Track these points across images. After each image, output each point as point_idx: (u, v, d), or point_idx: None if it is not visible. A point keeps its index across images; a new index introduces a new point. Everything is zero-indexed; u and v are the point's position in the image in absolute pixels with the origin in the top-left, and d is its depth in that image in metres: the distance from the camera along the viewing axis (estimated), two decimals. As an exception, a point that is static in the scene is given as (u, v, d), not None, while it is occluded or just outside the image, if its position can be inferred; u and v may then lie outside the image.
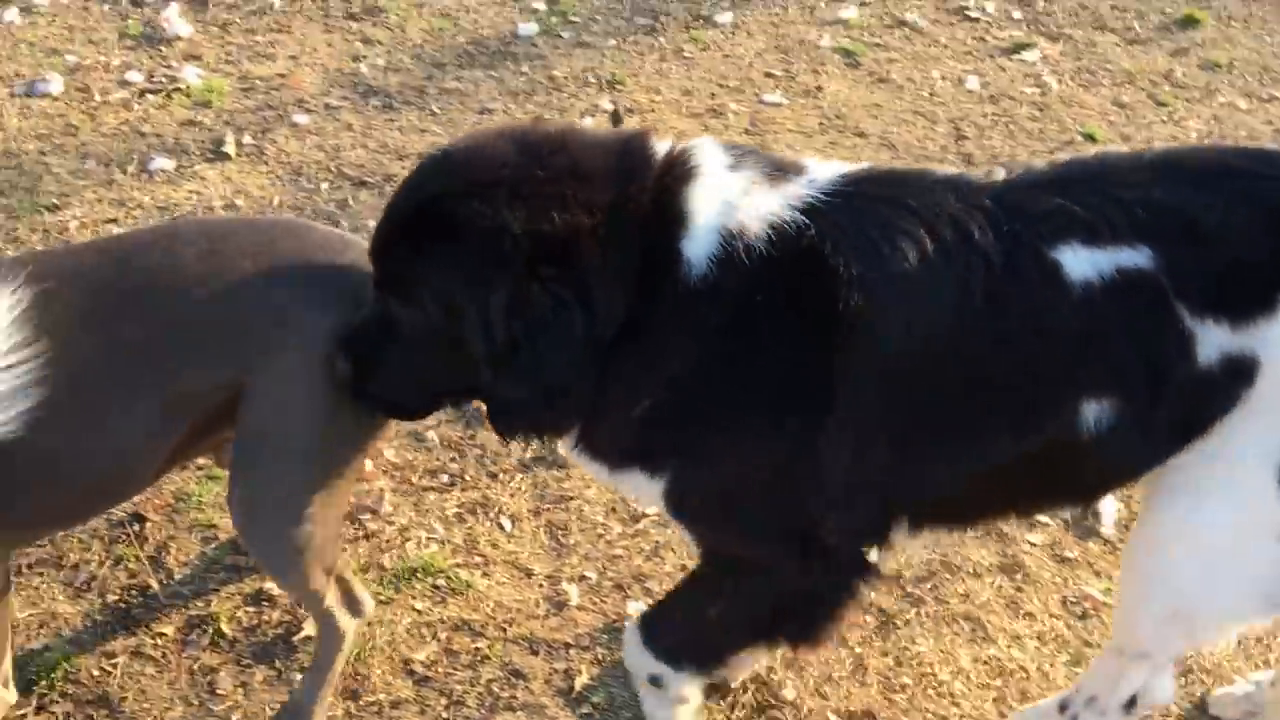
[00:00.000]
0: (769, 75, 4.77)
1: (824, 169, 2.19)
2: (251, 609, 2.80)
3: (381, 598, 2.83)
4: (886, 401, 2.10)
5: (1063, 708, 2.56)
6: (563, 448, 2.37)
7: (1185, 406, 2.14)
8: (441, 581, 2.90)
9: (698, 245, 2.06)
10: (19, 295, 2.13)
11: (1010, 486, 2.29)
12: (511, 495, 3.10)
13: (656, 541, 3.02)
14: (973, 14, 5.24)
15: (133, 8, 4.78)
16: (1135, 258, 2.04)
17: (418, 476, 3.14)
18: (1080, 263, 2.04)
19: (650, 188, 2.09)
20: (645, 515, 3.08)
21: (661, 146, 2.16)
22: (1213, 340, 2.07)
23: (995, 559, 3.04)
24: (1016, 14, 5.27)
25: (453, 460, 3.18)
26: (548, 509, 3.08)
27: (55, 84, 4.31)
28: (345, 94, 4.44)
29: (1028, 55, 5.01)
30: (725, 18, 5.07)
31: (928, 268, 2.04)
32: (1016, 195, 2.12)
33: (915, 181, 2.18)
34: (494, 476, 3.14)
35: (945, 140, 4.48)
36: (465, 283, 2.07)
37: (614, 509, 3.10)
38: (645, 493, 2.30)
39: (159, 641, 2.72)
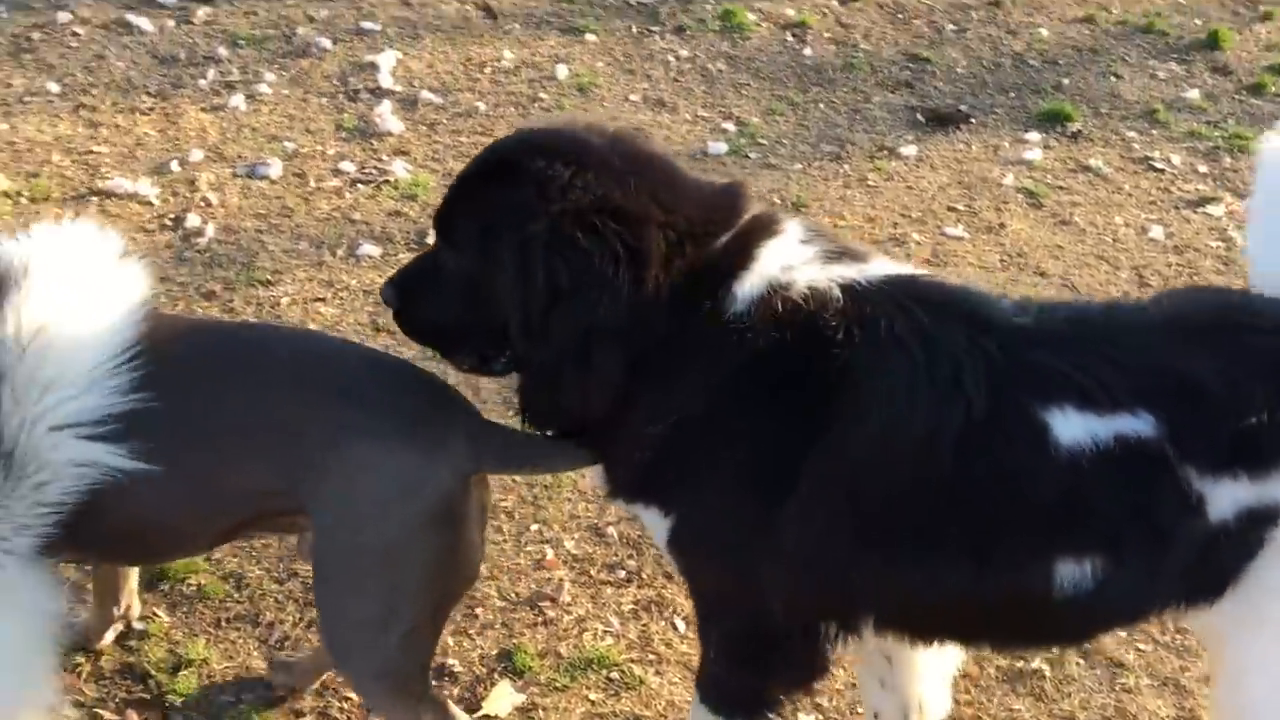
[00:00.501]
0: (951, 209, 4.85)
1: (881, 264, 2.27)
2: (434, 681, 2.87)
3: (557, 684, 2.90)
4: (849, 502, 2.13)
5: None
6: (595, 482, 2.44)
7: (1200, 555, 2.11)
8: (615, 675, 2.95)
9: (747, 287, 2.16)
10: (136, 338, 2.26)
11: (978, 620, 2.28)
12: (686, 597, 3.15)
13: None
14: (1158, 165, 5.26)
15: (349, 103, 5.08)
16: (1135, 424, 2.04)
17: (596, 570, 3.21)
18: (1071, 426, 2.04)
19: (732, 230, 2.21)
20: (818, 630, 3.10)
21: (755, 204, 2.29)
22: (1227, 496, 2.06)
23: (1172, 711, 2.99)
24: (1202, 168, 5.28)
25: (630, 557, 3.25)
26: (721, 614, 3.12)
27: (275, 168, 4.59)
28: (541, 197, 4.64)
29: (1213, 209, 5.00)
30: (909, 150, 5.18)
31: (913, 401, 2.07)
32: (1020, 341, 2.13)
33: (939, 302, 2.19)
34: (670, 577, 3.20)
35: (1128, 286, 4.49)
36: (507, 211, 2.13)
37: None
38: (657, 530, 2.34)
39: (345, 705, 2.82)
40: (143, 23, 5.39)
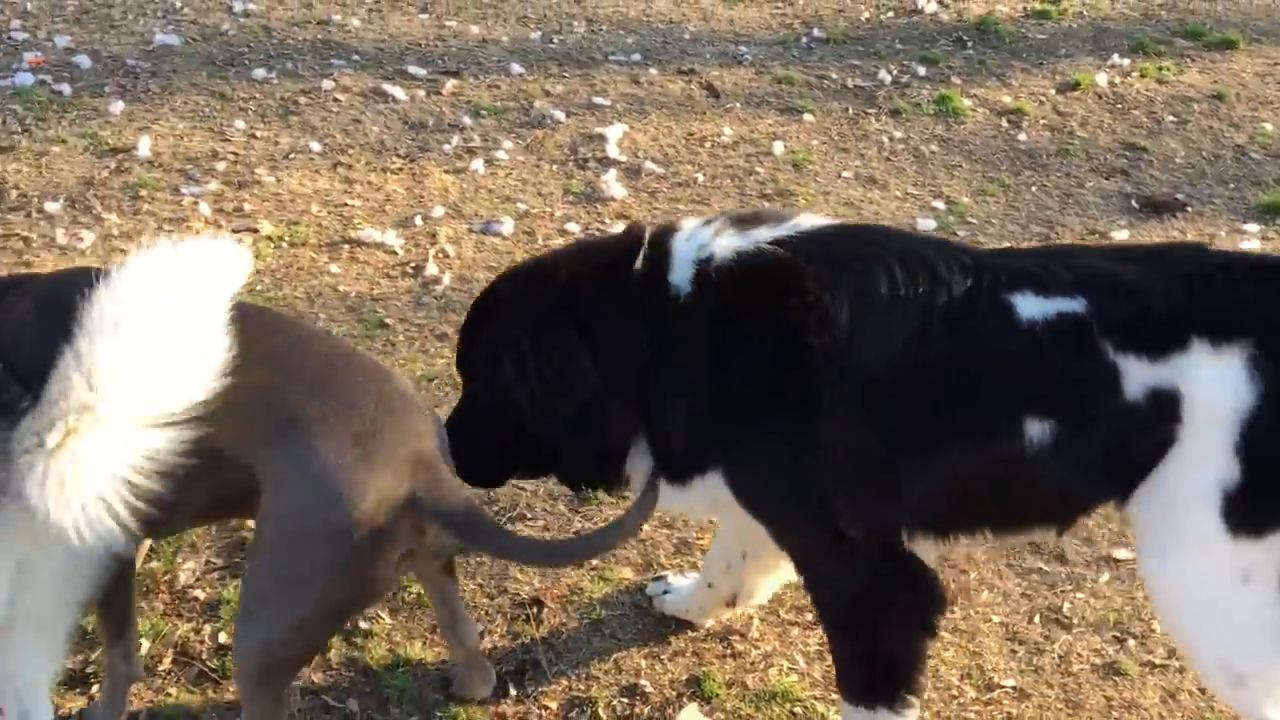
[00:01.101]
0: (1160, 294, 4.85)
1: (812, 219, 2.75)
2: (626, 700, 3.07)
3: (741, 713, 3.05)
4: (871, 401, 2.53)
5: None
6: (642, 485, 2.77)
7: (1119, 438, 2.45)
8: (799, 709, 3.08)
9: (679, 271, 2.65)
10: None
11: (979, 499, 2.61)
12: (871, 644, 3.26)
13: (1009, 713, 3.10)
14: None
15: (577, 170, 5.42)
16: (1072, 304, 2.47)
17: (785, 611, 3.35)
18: (1029, 305, 2.48)
19: (646, 246, 2.72)
20: (999, 685, 3.17)
21: (649, 228, 2.80)
22: (1135, 375, 2.41)
23: None
24: None
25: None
26: (904, 663, 3.22)
27: (507, 226, 4.94)
28: (752, 263, 4.87)
29: None
30: (1121, 235, 5.21)
31: (898, 295, 2.53)
32: (992, 257, 2.68)
33: (898, 233, 2.81)
34: (856, 624, 3.32)
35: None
36: (500, 336, 2.72)
37: (969, 674, 3.20)
38: (720, 498, 2.70)
39: (543, 713, 3.03)
40: (397, 92, 5.89)
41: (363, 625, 3.19)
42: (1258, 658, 2.44)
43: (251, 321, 2.57)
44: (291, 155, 5.31)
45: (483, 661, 3.04)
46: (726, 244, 2.65)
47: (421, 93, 5.94)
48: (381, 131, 5.58)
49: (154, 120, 5.46)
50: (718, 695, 3.08)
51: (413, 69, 6.14)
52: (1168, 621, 2.70)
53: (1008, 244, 5.10)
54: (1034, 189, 5.57)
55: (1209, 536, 2.37)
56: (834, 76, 6.44)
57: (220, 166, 5.15)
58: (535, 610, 3.29)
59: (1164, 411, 2.40)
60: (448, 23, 6.73)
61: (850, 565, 2.62)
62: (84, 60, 5.90)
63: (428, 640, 3.18)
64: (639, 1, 7.19)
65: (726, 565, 3.15)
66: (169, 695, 2.99)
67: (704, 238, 2.68)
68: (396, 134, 5.58)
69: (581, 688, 3.10)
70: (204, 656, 3.09)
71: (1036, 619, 3.38)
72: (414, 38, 6.49)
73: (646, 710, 3.05)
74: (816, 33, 6.95)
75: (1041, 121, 6.16)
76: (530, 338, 2.66)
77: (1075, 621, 3.37)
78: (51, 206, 4.76)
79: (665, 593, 3.31)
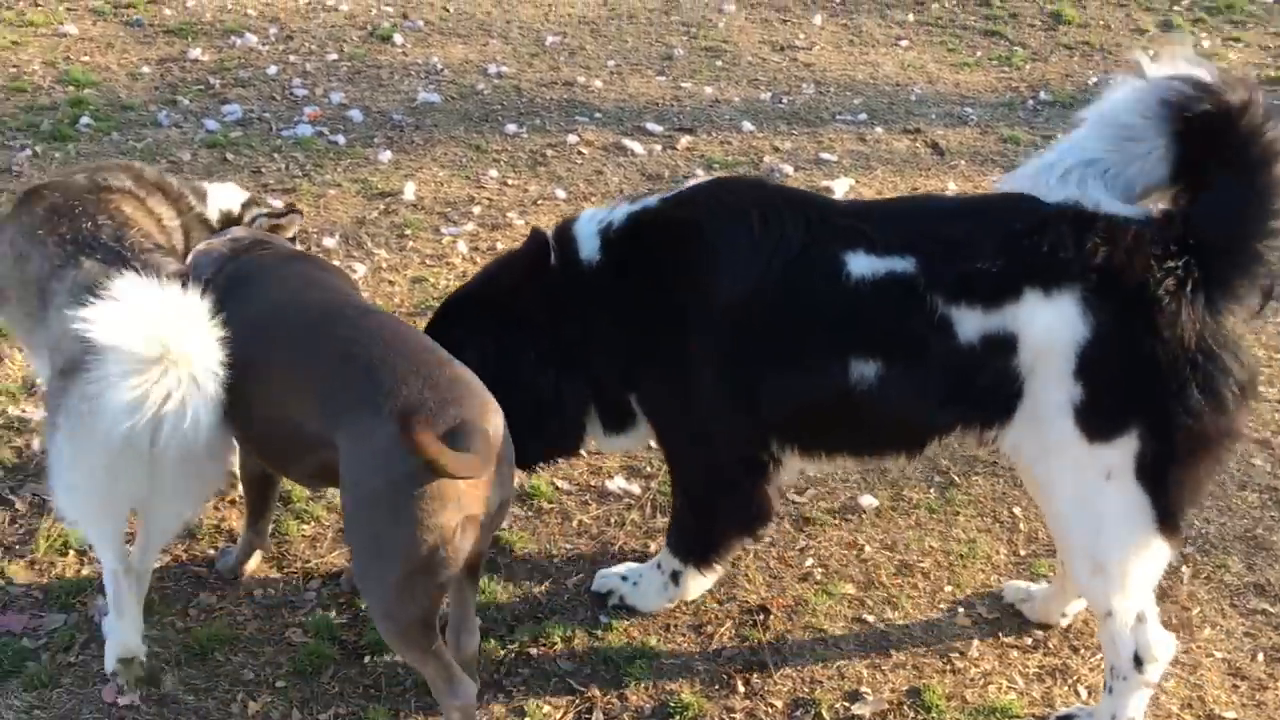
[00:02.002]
0: (1400, 354, 4.77)
1: (689, 187, 3.35)
2: (848, 704, 3.24)
3: (960, 724, 3.19)
4: (724, 335, 3.02)
5: (1105, 685, 3.04)
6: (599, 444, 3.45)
7: (959, 373, 2.88)
8: (1017, 725, 3.19)
9: (586, 247, 3.18)
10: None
11: (835, 425, 3.10)
12: (1091, 669, 3.35)
13: (1229, 743, 3.14)
14: None
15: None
16: (903, 264, 2.89)
17: (1005, 634, 3.46)
18: (859, 262, 2.91)
19: (553, 242, 3.23)
20: (1220, 716, 3.21)
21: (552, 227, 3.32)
22: (968, 322, 2.84)
23: None
24: None
25: (1039, 628, 3.48)
26: (1123, 690, 3.30)
27: (738, 270, 5.19)
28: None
29: None
30: None
31: (750, 243, 2.99)
32: (836, 214, 3.08)
33: (764, 185, 3.43)
34: (1075, 649, 3.41)
35: None
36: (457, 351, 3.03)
37: (1189, 704, 3.25)
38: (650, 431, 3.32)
39: (770, 710, 3.22)
40: (635, 146, 6.27)
41: (602, 619, 3.45)
42: (1115, 548, 2.87)
43: (334, 310, 3.02)
44: (539, 201, 5.71)
45: (472, 670, 3.04)
46: (622, 211, 3.20)
47: (658, 147, 6.29)
48: (621, 181, 5.95)
49: (418, 168, 5.96)
50: (936, 706, 3.22)
51: (650, 126, 6.51)
52: (1051, 518, 3.11)
53: (1237, 300, 5.10)
54: (1266, 249, 5.53)
55: (1070, 443, 2.82)
56: (1061, 137, 6.52)
57: (476, 210, 5.59)
58: (762, 617, 3.49)
59: (1000, 352, 2.84)
60: (683, 84, 7.10)
61: (707, 469, 3.24)
62: (356, 114, 6.47)
63: (661, 638, 3.42)
64: (866, 66, 7.42)
65: None
66: (431, 668, 3.29)
67: (603, 213, 3.23)
68: (634, 184, 5.93)
69: (805, 690, 3.28)
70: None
71: (1260, 657, 3.41)
72: (651, 98, 6.88)
73: (867, 713, 3.21)
74: (1043, 96, 7.05)
75: (1275, 184, 6.11)
76: (479, 350, 3.12)
77: (1301, 662, 3.38)
78: (329, 241, 5.26)
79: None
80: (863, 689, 3.28)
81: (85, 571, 3.54)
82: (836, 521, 3.87)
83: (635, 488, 3.96)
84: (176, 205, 3.58)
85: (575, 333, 3.21)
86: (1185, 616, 3.52)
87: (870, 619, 3.50)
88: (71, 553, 3.59)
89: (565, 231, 3.26)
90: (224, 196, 3.73)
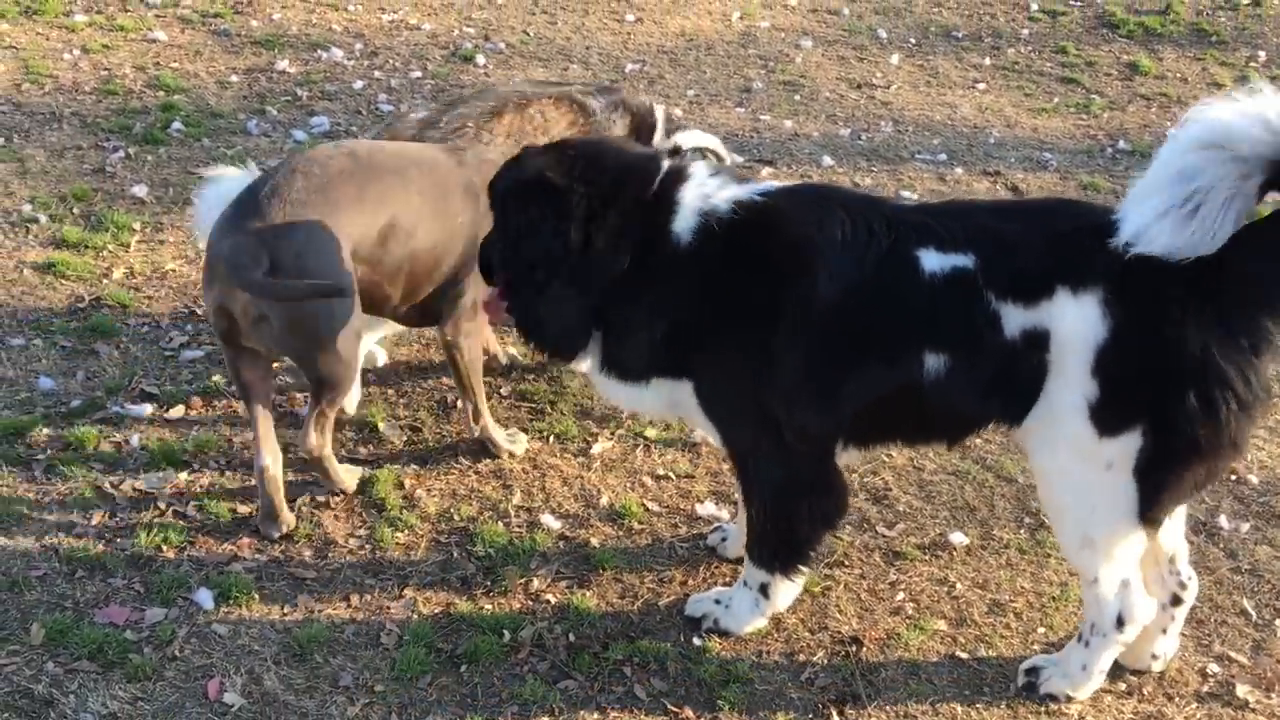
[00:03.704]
0: None
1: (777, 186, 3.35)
2: None
3: (1056, 766, 3.17)
4: (817, 330, 3.12)
5: (1080, 638, 3.29)
6: (586, 369, 3.49)
7: (999, 367, 3.04)
8: (1113, 769, 3.17)
9: (682, 224, 3.20)
10: None
11: (892, 416, 3.25)
12: (1185, 718, 3.33)
13: (1331, 799, 3.11)
14: None
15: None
16: (964, 260, 3.05)
17: (1098, 678, 3.45)
18: (931, 259, 3.07)
19: (655, 186, 3.24)
20: (1321, 773, 3.18)
21: (669, 163, 3.33)
22: (1012, 318, 3.01)
23: None
24: None
25: (1131, 674, 3.46)
26: (1220, 741, 3.28)
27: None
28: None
29: None
30: None
31: (844, 242, 3.10)
32: (906, 212, 3.21)
33: (842, 191, 3.64)
34: (1169, 696, 3.39)
35: None
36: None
37: (1289, 758, 3.23)
38: (673, 399, 3.35)
39: (863, 739, 3.23)
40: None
41: (695, 642, 3.46)
42: (1105, 525, 3.09)
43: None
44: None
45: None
46: (727, 195, 3.22)
47: (739, 178, 6.33)
48: (703, 210, 5.98)
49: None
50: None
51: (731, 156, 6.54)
52: (1047, 501, 3.33)
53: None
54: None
55: (1081, 436, 3.01)
56: (1140, 186, 6.52)
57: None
58: (854, 648, 3.49)
59: (1035, 345, 3.01)
60: (761, 117, 7.14)
61: (784, 467, 3.29)
62: (440, 132, 6.53)
63: (755, 662, 3.42)
64: (944, 107, 7.45)
65: None
66: (524, 682, 3.31)
67: (710, 189, 3.24)
68: (717, 213, 5.96)
69: (900, 722, 3.28)
70: (557, 650, 3.42)
71: (1360, 716, 3.38)
72: (731, 128, 6.92)
73: (963, 750, 3.20)
74: (1121, 144, 7.06)
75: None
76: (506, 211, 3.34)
77: (1400, 723, 3.35)
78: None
79: (724, 539, 3.82)
80: (958, 727, 3.28)
81: (184, 567, 3.58)
82: (926, 557, 3.86)
83: (724, 513, 3.97)
84: None
85: (633, 274, 3.21)
86: (1279, 670, 3.51)
87: (964, 656, 3.50)
88: (171, 548, 3.64)
89: (673, 182, 3.25)
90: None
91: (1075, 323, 2.97)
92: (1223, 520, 4.08)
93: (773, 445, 3.26)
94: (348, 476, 3.94)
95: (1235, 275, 2.90)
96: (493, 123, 4.43)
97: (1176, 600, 3.38)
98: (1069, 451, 3.06)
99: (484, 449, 4.15)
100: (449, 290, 3.92)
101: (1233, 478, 4.30)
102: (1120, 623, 3.20)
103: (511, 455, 4.16)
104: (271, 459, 3.70)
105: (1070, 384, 2.99)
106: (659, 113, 4.80)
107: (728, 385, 3.28)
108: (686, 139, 4.73)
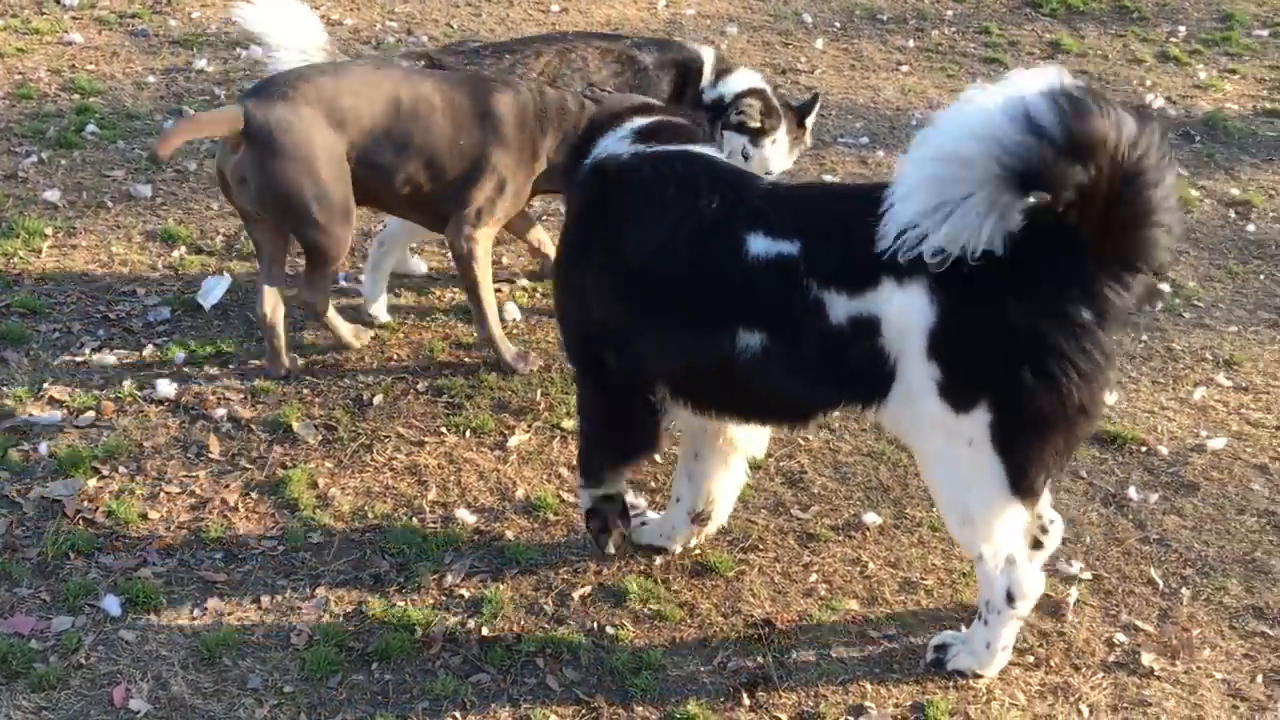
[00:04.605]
0: (1395, 383, 4.83)
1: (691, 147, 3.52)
2: (853, 718, 3.27)
3: (964, 740, 3.21)
4: (624, 282, 3.36)
5: (980, 616, 3.34)
6: None
7: (829, 352, 3.13)
8: (1019, 741, 3.22)
9: (583, 169, 3.57)
10: None
11: (713, 385, 3.37)
12: (1092, 688, 3.38)
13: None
14: None
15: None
16: (789, 247, 3.14)
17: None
18: (758, 243, 3.17)
19: (584, 133, 3.76)
20: (1222, 737, 3.24)
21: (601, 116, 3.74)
22: (838, 305, 3.09)
23: None
24: None
25: (1040, 645, 3.51)
26: (1125, 709, 3.33)
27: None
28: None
29: None
30: (1354, 325, 5.20)
31: (666, 207, 3.28)
32: (755, 195, 3.29)
33: (719, 165, 3.47)
34: (1076, 668, 3.44)
35: None
36: None
37: (1190, 724, 3.28)
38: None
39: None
40: (638, 164, 6.31)
41: (609, 631, 3.47)
42: (980, 502, 3.15)
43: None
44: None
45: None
46: (618, 150, 3.50)
47: (661, 166, 6.33)
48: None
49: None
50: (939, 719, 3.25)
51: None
52: (927, 482, 3.41)
53: (1234, 327, 5.16)
54: (1262, 277, 5.59)
55: (938, 415, 3.09)
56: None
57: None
58: (767, 631, 3.52)
59: (867, 332, 3.08)
60: (685, 104, 7.14)
61: (595, 394, 3.59)
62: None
63: (668, 648, 3.44)
64: (867, 90, 7.49)
65: (688, 476, 3.72)
66: (436, 677, 3.31)
67: (610, 141, 3.55)
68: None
69: (810, 704, 3.30)
70: (470, 644, 3.42)
71: (1259, 679, 3.44)
72: (654, 117, 6.90)
73: (871, 728, 3.24)
74: (1042, 122, 7.12)
75: (1270, 214, 6.18)
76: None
77: (1300, 684, 3.42)
78: (334, 252, 5.29)
79: (642, 524, 3.84)
80: (867, 703, 3.30)
81: (92, 574, 3.55)
82: (840, 538, 3.90)
83: (641, 501, 3.99)
84: None
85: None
86: (1185, 638, 3.56)
87: (874, 635, 3.53)
88: (78, 555, 3.60)
89: (594, 133, 3.66)
90: None
91: (904, 309, 3.03)
92: (1131, 491, 4.14)
93: (590, 373, 3.56)
94: (354, 336, 4.63)
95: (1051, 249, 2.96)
96: (532, 60, 4.81)
97: (1037, 544, 3.46)
98: (932, 430, 3.13)
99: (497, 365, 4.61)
100: (452, 197, 4.37)
101: (1143, 449, 4.36)
102: (1011, 598, 3.23)
103: (515, 373, 4.57)
104: (269, 308, 4.35)
105: (916, 366, 3.07)
106: (708, 58, 5.10)
107: (563, 309, 3.67)
108: (735, 80, 5.07)
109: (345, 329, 4.59)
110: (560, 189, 4.30)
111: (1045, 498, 3.42)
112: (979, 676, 3.37)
